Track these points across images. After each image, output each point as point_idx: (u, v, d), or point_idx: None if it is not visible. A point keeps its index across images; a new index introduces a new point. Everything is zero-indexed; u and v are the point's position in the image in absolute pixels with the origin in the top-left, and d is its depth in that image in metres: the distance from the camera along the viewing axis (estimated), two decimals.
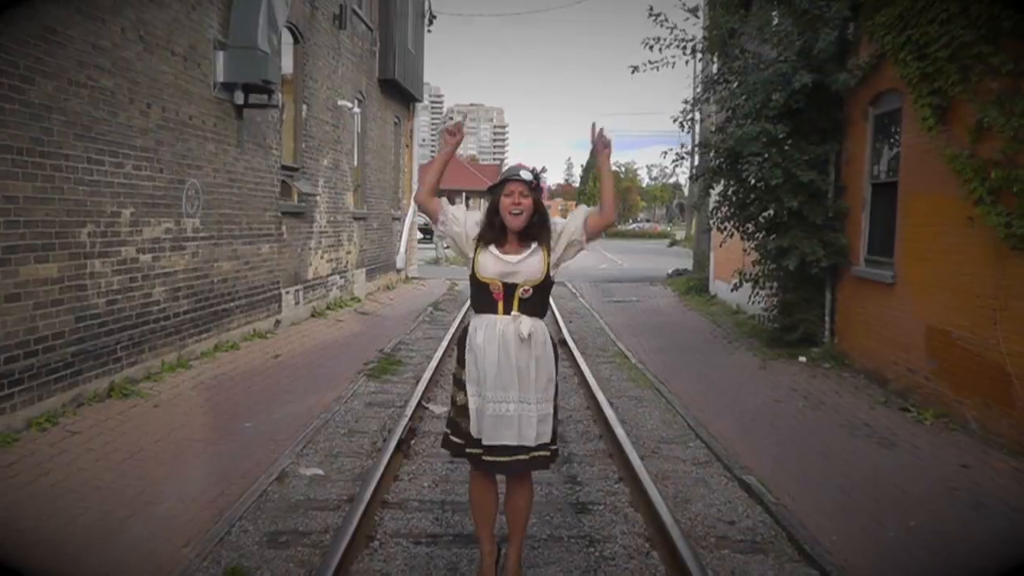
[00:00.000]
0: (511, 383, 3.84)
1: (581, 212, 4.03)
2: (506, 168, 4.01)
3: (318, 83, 13.75)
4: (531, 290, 3.85)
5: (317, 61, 13.67)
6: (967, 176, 7.20)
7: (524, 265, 3.84)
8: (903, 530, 5.08)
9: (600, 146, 3.95)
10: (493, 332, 3.85)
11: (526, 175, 3.87)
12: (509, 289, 3.84)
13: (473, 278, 3.94)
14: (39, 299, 6.51)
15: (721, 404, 8.40)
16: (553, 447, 4.01)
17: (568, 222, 4.00)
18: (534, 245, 3.88)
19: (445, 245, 36.31)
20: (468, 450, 4.00)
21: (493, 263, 3.85)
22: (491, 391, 3.85)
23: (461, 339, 4.05)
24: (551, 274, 3.94)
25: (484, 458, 3.94)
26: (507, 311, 3.85)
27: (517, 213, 3.82)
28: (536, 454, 3.93)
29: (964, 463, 6.37)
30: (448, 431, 4.14)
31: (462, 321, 13.79)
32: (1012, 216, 6.67)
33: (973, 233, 7.26)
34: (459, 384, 4.04)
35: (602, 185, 4.12)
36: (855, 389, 8.93)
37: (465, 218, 4.03)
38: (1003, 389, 6.82)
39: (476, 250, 3.94)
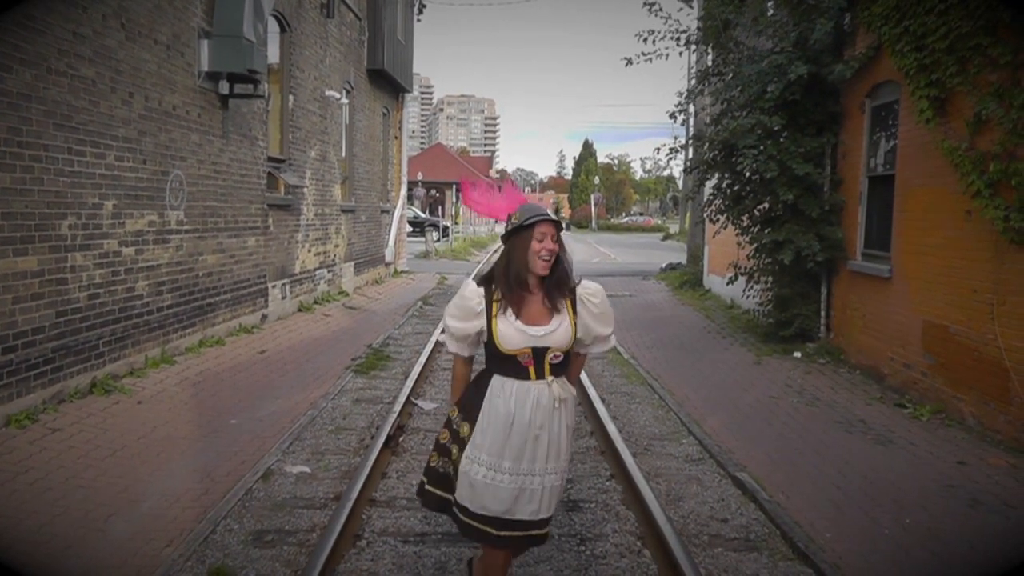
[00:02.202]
0: (541, 454, 3.47)
1: (609, 328, 3.64)
2: (522, 208, 3.53)
3: (305, 73, 13.60)
4: (561, 355, 3.48)
5: (304, 50, 13.52)
6: (965, 169, 7.14)
7: (553, 338, 3.44)
8: (899, 527, 5.03)
9: None
10: (526, 398, 3.44)
11: (553, 215, 3.49)
12: (538, 354, 3.44)
13: (491, 348, 3.48)
14: (18, 293, 6.36)
15: (715, 400, 8.33)
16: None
17: (601, 320, 3.60)
18: (557, 315, 3.47)
19: (436, 239, 36.16)
20: (470, 521, 3.51)
21: (518, 336, 3.42)
22: (516, 462, 3.45)
23: (474, 394, 3.56)
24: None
25: (500, 533, 3.48)
26: (539, 376, 3.45)
27: (547, 259, 3.42)
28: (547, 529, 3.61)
29: (961, 460, 6.32)
30: (426, 479, 3.67)
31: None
32: (1010, 210, 6.61)
33: (971, 227, 7.20)
34: (456, 437, 3.57)
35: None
36: (851, 385, 8.87)
37: (469, 321, 3.51)
38: (1001, 385, 6.76)
39: (492, 319, 3.46)
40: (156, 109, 8.45)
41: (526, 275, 3.44)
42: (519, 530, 3.48)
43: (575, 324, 3.50)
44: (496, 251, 38.38)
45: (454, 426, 3.58)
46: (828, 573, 4.35)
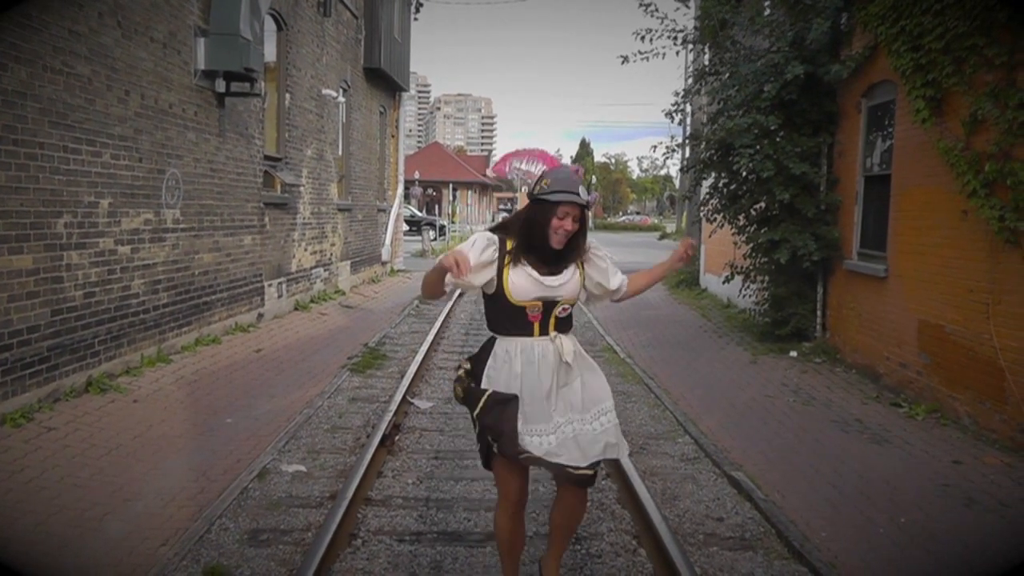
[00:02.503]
0: (560, 409, 3.47)
1: (617, 277, 3.73)
2: (556, 175, 3.47)
3: (302, 71, 13.59)
4: (568, 309, 3.54)
5: (301, 49, 13.50)
6: (961, 169, 7.14)
7: (565, 288, 3.48)
8: (894, 526, 5.04)
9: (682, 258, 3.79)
10: (532, 356, 3.45)
11: (584, 194, 3.42)
12: (548, 307, 3.46)
13: (499, 301, 3.47)
14: (13, 291, 6.34)
15: (711, 399, 8.33)
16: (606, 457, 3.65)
17: (607, 274, 3.68)
18: (571, 267, 3.53)
19: (432, 238, 36.07)
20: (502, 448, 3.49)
21: (532, 286, 3.42)
22: (530, 424, 3.43)
23: (477, 363, 3.59)
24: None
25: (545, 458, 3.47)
26: (543, 332, 3.47)
27: (563, 238, 3.44)
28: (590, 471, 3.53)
29: (956, 459, 6.33)
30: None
31: (449, 315, 13.68)
32: (1006, 209, 6.62)
33: (966, 227, 7.20)
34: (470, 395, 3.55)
35: (647, 279, 3.89)
36: (847, 384, 8.88)
37: (478, 259, 3.44)
38: (996, 384, 6.77)
39: (504, 270, 3.45)
40: (152, 107, 8.43)
41: (541, 244, 3.43)
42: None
43: (583, 277, 3.57)
44: None
45: (468, 378, 3.58)
46: (823, 572, 4.35)
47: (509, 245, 3.46)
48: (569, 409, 3.47)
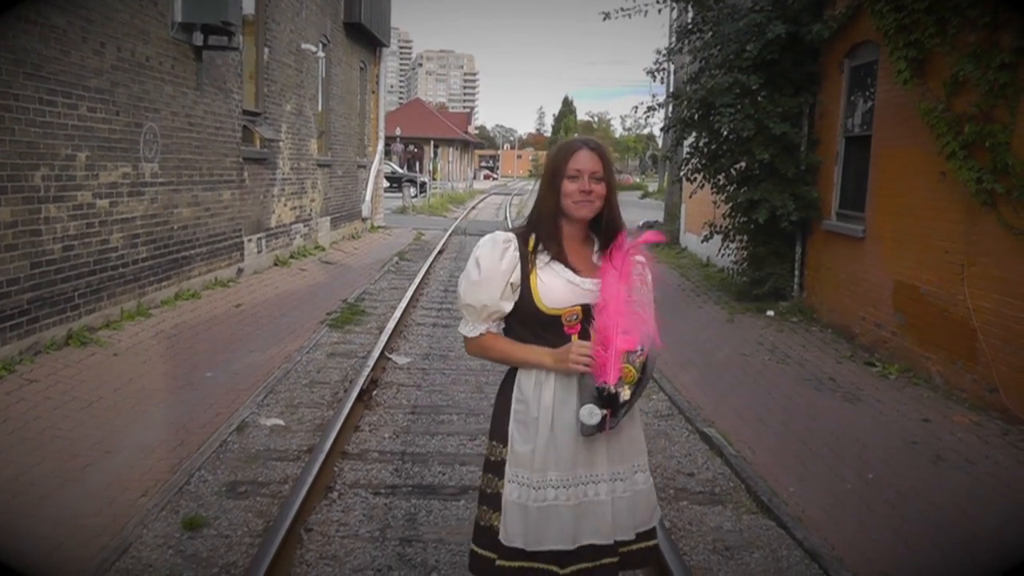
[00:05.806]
0: (599, 454, 2.59)
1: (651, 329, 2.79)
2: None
3: (281, 25, 13.39)
4: None
5: (280, 2, 13.30)
6: (941, 130, 7.17)
7: None
8: (861, 483, 5.14)
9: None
10: (569, 383, 2.55)
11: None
12: (587, 317, 2.56)
13: (523, 312, 2.59)
14: None
15: (686, 357, 8.40)
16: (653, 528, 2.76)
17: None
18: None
19: (413, 195, 35.75)
20: (525, 564, 2.60)
21: (566, 290, 2.56)
22: (568, 469, 2.57)
23: (502, 401, 2.70)
24: None
25: (566, 571, 2.60)
26: None
27: (586, 201, 2.58)
28: (640, 545, 2.69)
29: (926, 417, 6.45)
30: (475, 545, 2.70)
31: (428, 272, 13.67)
32: (984, 171, 6.66)
33: (944, 188, 7.25)
34: (496, 468, 2.65)
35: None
36: (822, 343, 8.99)
37: (501, 283, 2.58)
38: (968, 344, 6.88)
39: (531, 272, 2.58)
40: (129, 60, 8.30)
41: (559, 220, 2.62)
42: (587, 560, 2.59)
43: None
44: (474, 207, 38.00)
45: (492, 458, 2.68)
46: (790, 526, 4.44)
47: (531, 244, 2.61)
48: (612, 459, 2.62)
